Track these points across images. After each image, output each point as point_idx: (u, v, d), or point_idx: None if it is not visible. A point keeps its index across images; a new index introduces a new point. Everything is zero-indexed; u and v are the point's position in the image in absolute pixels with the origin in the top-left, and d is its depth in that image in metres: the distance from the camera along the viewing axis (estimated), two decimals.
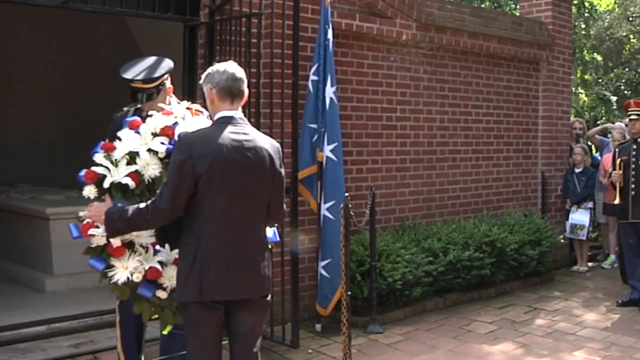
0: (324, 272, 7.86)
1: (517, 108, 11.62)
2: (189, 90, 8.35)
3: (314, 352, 7.40)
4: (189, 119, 5.21)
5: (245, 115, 6.70)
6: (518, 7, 13.42)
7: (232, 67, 4.85)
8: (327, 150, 7.77)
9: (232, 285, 4.62)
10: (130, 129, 5.12)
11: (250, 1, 7.42)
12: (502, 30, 11.01)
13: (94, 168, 4.97)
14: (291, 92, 7.14)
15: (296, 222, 7.15)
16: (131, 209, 4.61)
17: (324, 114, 7.79)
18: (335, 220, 7.59)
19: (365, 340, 7.82)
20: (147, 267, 4.83)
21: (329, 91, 7.77)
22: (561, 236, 11.60)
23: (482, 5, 19.43)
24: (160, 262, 4.89)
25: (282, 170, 4.92)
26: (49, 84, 12.03)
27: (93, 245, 4.89)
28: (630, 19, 19.09)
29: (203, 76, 4.89)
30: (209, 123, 5.03)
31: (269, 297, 5.00)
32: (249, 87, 7.37)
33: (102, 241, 4.83)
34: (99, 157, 5.01)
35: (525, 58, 11.64)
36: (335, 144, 7.79)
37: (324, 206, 7.81)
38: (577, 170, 11.86)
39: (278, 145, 4.96)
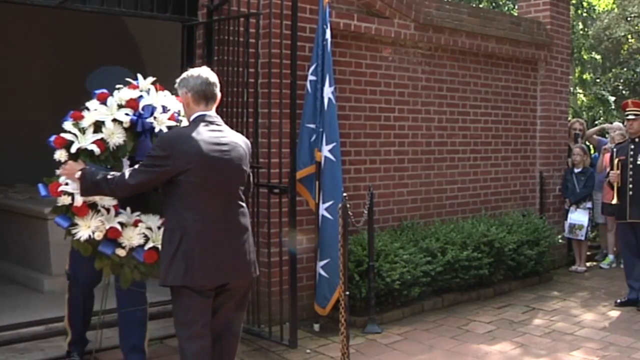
0: (322, 272, 7.87)
1: (516, 108, 11.63)
2: None
3: (312, 352, 7.40)
4: (153, 93, 5.84)
5: (244, 116, 6.89)
6: (516, 7, 13.42)
7: (205, 72, 5.30)
8: (326, 150, 7.77)
9: (217, 270, 5.04)
10: (98, 100, 5.68)
11: (249, 1, 7.43)
12: (500, 30, 11.01)
13: (62, 134, 5.50)
14: (289, 92, 7.13)
15: (294, 222, 7.15)
16: (102, 175, 5.12)
17: (322, 114, 7.80)
18: (333, 220, 7.59)
19: (364, 340, 7.83)
20: (108, 227, 5.38)
21: (327, 91, 7.78)
22: (559, 236, 11.60)
23: (481, 5, 19.42)
24: (121, 223, 5.44)
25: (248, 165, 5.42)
26: (48, 84, 12.04)
27: (59, 204, 5.39)
28: (629, 19, 19.10)
29: (178, 80, 5.31)
30: (173, 99, 5.81)
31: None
32: (247, 87, 7.45)
33: (68, 200, 5.36)
34: (67, 124, 5.56)
35: (523, 58, 11.65)
36: (334, 144, 7.79)
37: (322, 206, 7.81)
38: (576, 170, 11.88)
39: (248, 141, 5.49)
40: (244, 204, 5.31)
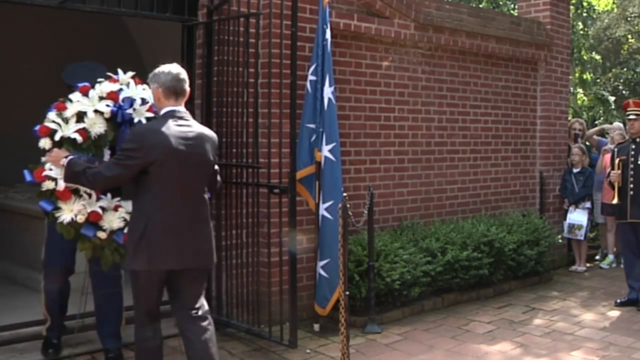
0: (322, 272, 7.87)
1: (515, 108, 11.63)
2: None
3: (312, 352, 7.40)
4: (132, 86, 6.23)
5: (244, 115, 6.91)
6: (516, 7, 13.42)
7: (175, 68, 5.63)
8: (326, 150, 7.77)
9: (177, 256, 5.42)
10: (81, 92, 6.06)
11: (249, 1, 7.43)
12: (500, 30, 11.02)
13: (46, 123, 5.91)
14: (289, 92, 7.12)
15: (294, 222, 7.14)
16: (82, 167, 5.51)
17: (322, 114, 7.80)
18: (333, 220, 7.59)
19: (364, 340, 7.83)
20: (89, 211, 5.77)
21: (327, 91, 7.77)
22: (559, 236, 11.62)
23: (481, 5, 19.43)
24: (102, 208, 5.83)
25: (216, 157, 5.84)
26: (47, 84, 12.02)
27: (44, 189, 5.76)
28: (629, 19, 19.12)
29: (150, 75, 5.68)
30: (149, 92, 6.05)
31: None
32: (247, 87, 7.46)
33: (52, 185, 5.73)
34: (51, 115, 5.96)
35: (523, 58, 11.65)
36: (334, 144, 7.79)
37: (322, 206, 7.81)
38: (575, 170, 11.89)
39: (215, 135, 5.85)
40: (206, 196, 5.70)
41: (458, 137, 10.63)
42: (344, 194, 7.36)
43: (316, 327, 8.10)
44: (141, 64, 11.89)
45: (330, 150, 7.77)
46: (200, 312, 5.68)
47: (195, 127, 5.64)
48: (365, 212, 8.17)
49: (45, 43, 11.99)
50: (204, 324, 5.69)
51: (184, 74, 5.66)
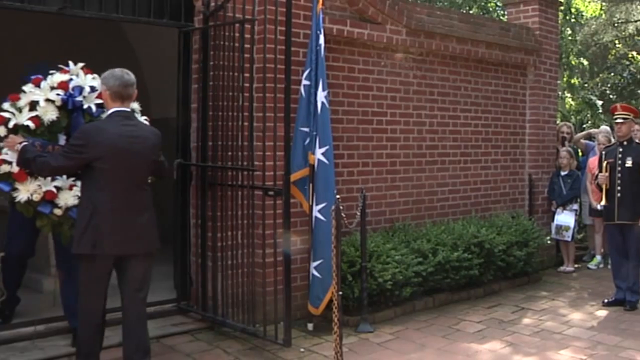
0: (315, 273, 7.88)
1: (505, 112, 11.65)
2: (183, 94, 8.39)
3: (306, 351, 7.41)
4: (82, 76, 6.63)
5: (239, 119, 6.96)
6: (506, 13, 13.45)
7: (125, 74, 6.00)
8: (319, 153, 7.78)
9: (121, 243, 5.81)
10: (33, 84, 6.46)
11: (244, 7, 7.46)
12: (490, 35, 11.04)
13: (1, 113, 6.30)
14: (284, 96, 7.13)
15: (288, 223, 7.15)
16: (33, 155, 5.90)
17: (315, 117, 7.81)
18: (326, 221, 7.60)
19: (356, 339, 7.84)
20: (45, 190, 6.19)
21: (321, 95, 7.79)
22: (548, 237, 11.65)
23: (471, 12, 19.47)
24: (57, 187, 6.26)
25: (160, 152, 6.29)
26: None
27: (1, 172, 6.16)
28: (616, 25, 19.17)
29: (101, 77, 6.10)
30: (98, 81, 6.42)
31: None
32: (242, 92, 7.49)
33: (8, 168, 6.14)
34: (6, 105, 6.37)
35: (512, 63, 11.68)
36: (327, 147, 7.80)
37: (315, 208, 7.82)
38: (562, 173, 11.92)
39: (159, 132, 6.22)
40: (148, 188, 6.12)
41: (449, 140, 10.65)
42: (337, 196, 7.38)
43: (310, 326, 8.11)
44: (139, 68, 11.92)
45: (323, 153, 7.79)
46: (141, 295, 6.12)
47: (140, 126, 6.12)
48: (358, 213, 8.17)
49: (45, 49, 11.98)
50: (143, 306, 6.18)
51: (132, 79, 6.03)
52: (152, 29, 9.52)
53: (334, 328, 6.66)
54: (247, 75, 7.52)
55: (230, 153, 7.79)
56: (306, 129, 7.86)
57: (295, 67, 7.70)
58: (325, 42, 8.09)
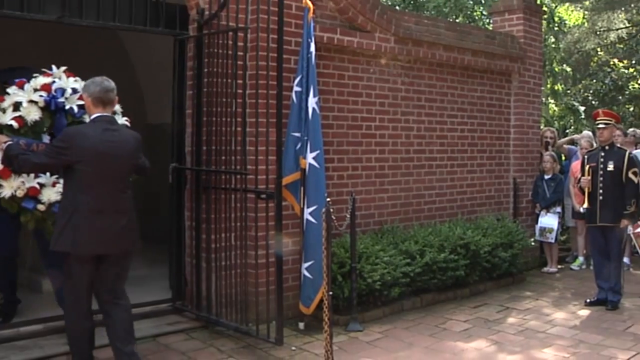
0: (306, 273, 7.90)
1: (490, 117, 11.68)
2: (178, 100, 8.39)
3: (297, 349, 7.42)
4: (64, 79, 6.77)
5: (232, 125, 6.99)
6: (491, 21, 13.48)
7: (105, 82, 6.14)
8: (310, 158, 7.80)
9: (98, 243, 5.92)
10: (17, 86, 6.60)
11: (237, 16, 7.49)
12: (475, 43, 11.08)
13: None
14: (275, 102, 7.15)
15: (280, 226, 7.17)
16: (16, 152, 6.03)
17: (306, 123, 7.82)
18: (317, 224, 7.62)
19: (346, 338, 7.86)
20: (28, 186, 6.34)
21: (312, 101, 7.80)
22: (532, 239, 11.68)
23: (457, 20, 19.50)
24: (40, 184, 6.42)
25: (140, 155, 6.39)
26: None
27: None
28: (598, 33, 19.20)
29: (83, 85, 6.30)
30: (81, 84, 6.58)
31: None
32: (235, 98, 7.50)
33: None
34: None
35: (497, 70, 11.71)
36: (318, 151, 7.82)
37: (306, 210, 7.84)
38: (546, 177, 11.96)
39: (139, 136, 6.36)
40: (128, 190, 6.20)
41: (436, 145, 10.67)
42: (328, 199, 7.40)
43: (301, 325, 8.13)
44: (135, 75, 11.92)
45: (314, 158, 7.80)
46: (119, 293, 6.25)
47: (120, 131, 6.22)
48: (348, 216, 8.20)
49: (42, 55, 11.97)
50: (123, 303, 6.27)
51: (112, 86, 6.17)
52: (148, 37, 9.53)
53: (324, 327, 6.65)
54: (240, 81, 7.53)
55: (223, 157, 7.80)
56: (297, 134, 7.88)
57: (287, 74, 7.73)
58: (316, 49, 8.12)
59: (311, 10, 7.95)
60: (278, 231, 7.16)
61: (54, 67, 6.88)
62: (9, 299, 7.65)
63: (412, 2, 21.59)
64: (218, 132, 7.85)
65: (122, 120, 6.90)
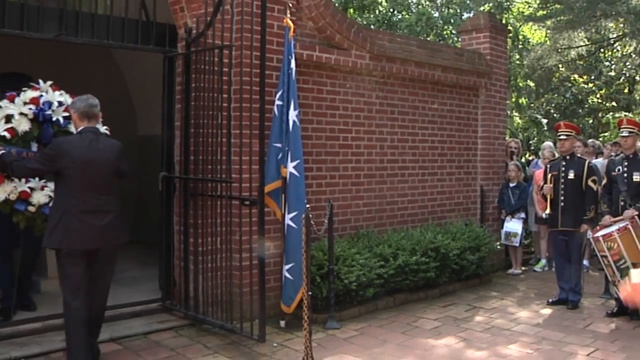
0: (287, 275, 7.92)
1: (459, 129, 11.72)
2: (168, 113, 8.42)
3: (278, 346, 7.45)
4: (50, 92, 7.00)
5: (218, 136, 7.07)
6: (460, 39, 13.57)
7: (90, 98, 6.53)
8: (291, 167, 7.83)
9: (88, 239, 6.23)
10: (8, 100, 6.83)
11: (222, 34, 7.54)
12: (445, 60, 11.14)
13: None
14: (258, 115, 7.18)
15: (263, 230, 7.19)
16: (10, 159, 6.37)
17: (287, 134, 7.85)
18: (297, 228, 7.63)
19: (324, 335, 7.88)
20: (20, 190, 6.62)
21: (292, 114, 7.83)
22: (498, 243, 11.72)
23: (428, 38, 19.59)
24: (31, 188, 6.69)
25: (122, 161, 6.70)
26: None
27: None
28: (559, 50, 19.29)
29: (70, 102, 6.71)
30: (67, 96, 7.00)
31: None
32: (221, 111, 7.57)
33: None
34: None
35: (466, 85, 11.76)
36: (298, 161, 7.85)
37: (287, 216, 7.86)
38: (511, 185, 12.02)
39: (121, 144, 6.69)
40: (111, 193, 6.51)
41: (408, 155, 10.70)
42: (307, 206, 7.41)
43: (282, 323, 8.15)
44: (127, 91, 11.92)
45: (294, 167, 7.84)
46: (102, 286, 6.57)
47: (104, 142, 6.55)
48: (326, 221, 8.22)
49: (38, 70, 11.96)
50: (105, 296, 6.67)
51: (95, 102, 6.53)
52: (139, 54, 9.56)
53: (304, 325, 6.65)
54: (225, 96, 7.60)
55: (210, 166, 7.83)
56: (279, 145, 7.91)
57: (269, 88, 7.75)
58: (296, 65, 8.16)
59: (292, 29, 8.01)
60: (261, 235, 7.19)
61: (41, 81, 7.10)
62: (8, 297, 7.61)
63: (385, 21, 21.69)
64: (205, 143, 7.88)
65: (102, 128, 6.99)
